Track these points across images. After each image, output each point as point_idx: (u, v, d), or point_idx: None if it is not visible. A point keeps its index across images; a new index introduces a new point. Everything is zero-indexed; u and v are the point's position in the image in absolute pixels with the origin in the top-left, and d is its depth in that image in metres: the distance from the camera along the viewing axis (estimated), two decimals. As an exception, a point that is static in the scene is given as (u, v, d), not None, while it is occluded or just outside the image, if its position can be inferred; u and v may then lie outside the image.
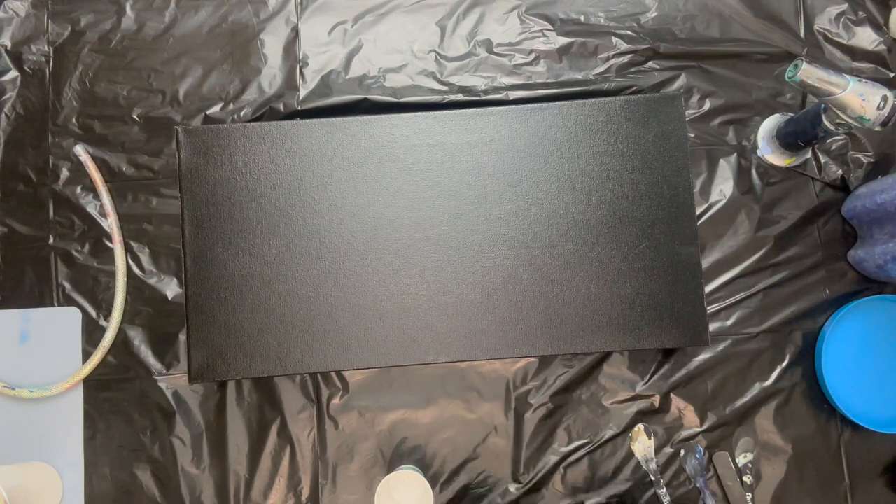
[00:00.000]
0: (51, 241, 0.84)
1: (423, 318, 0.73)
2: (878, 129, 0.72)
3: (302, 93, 0.87)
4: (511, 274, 0.73)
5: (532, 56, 0.88)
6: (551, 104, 0.75)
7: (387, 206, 0.74)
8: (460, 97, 0.86)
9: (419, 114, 0.75)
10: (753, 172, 0.87)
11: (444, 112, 0.75)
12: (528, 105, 0.75)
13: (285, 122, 0.76)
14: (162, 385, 0.82)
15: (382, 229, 0.73)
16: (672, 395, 0.83)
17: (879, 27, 0.90)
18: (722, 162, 0.86)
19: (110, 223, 0.83)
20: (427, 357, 0.73)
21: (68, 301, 0.83)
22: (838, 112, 0.72)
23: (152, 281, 0.83)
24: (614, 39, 0.88)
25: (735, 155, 0.87)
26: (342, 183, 0.74)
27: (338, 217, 0.73)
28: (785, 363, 0.84)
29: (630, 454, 0.82)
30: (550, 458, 0.81)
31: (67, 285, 0.83)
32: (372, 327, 0.73)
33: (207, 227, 0.73)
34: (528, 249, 0.73)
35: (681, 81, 0.88)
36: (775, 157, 0.87)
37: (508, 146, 0.74)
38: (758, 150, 0.87)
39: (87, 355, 0.82)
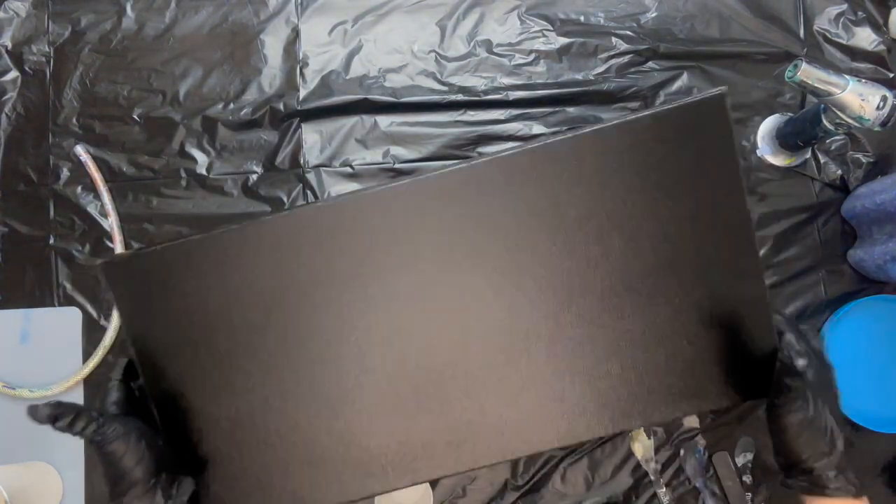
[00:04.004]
0: (51, 241, 0.84)
1: (459, 415, 0.57)
2: (877, 129, 0.72)
3: (302, 93, 0.87)
4: (550, 353, 0.57)
5: (532, 56, 0.88)
6: (556, 140, 0.54)
7: (382, 309, 0.56)
8: (460, 97, 0.86)
9: (401, 184, 0.54)
10: (753, 172, 0.87)
11: (430, 178, 0.54)
12: (529, 147, 0.54)
13: (232, 228, 0.55)
14: (162, 385, 0.82)
15: (379, 327, 0.56)
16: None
17: (879, 27, 0.90)
18: (722, 162, 0.87)
19: (111, 223, 0.84)
20: (478, 461, 0.58)
21: (69, 301, 0.83)
22: (838, 112, 0.73)
23: (152, 281, 0.83)
24: (614, 39, 0.88)
25: (735, 155, 0.87)
26: (330, 283, 0.56)
27: (331, 325, 0.56)
28: (784, 363, 0.84)
29: (630, 454, 0.82)
30: (550, 458, 0.82)
31: (68, 285, 0.83)
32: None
33: (172, 373, 0.57)
34: (560, 325, 0.56)
35: (681, 81, 0.88)
36: (775, 157, 0.87)
37: (513, 207, 0.55)
38: (757, 150, 0.87)
39: (87, 355, 0.82)
